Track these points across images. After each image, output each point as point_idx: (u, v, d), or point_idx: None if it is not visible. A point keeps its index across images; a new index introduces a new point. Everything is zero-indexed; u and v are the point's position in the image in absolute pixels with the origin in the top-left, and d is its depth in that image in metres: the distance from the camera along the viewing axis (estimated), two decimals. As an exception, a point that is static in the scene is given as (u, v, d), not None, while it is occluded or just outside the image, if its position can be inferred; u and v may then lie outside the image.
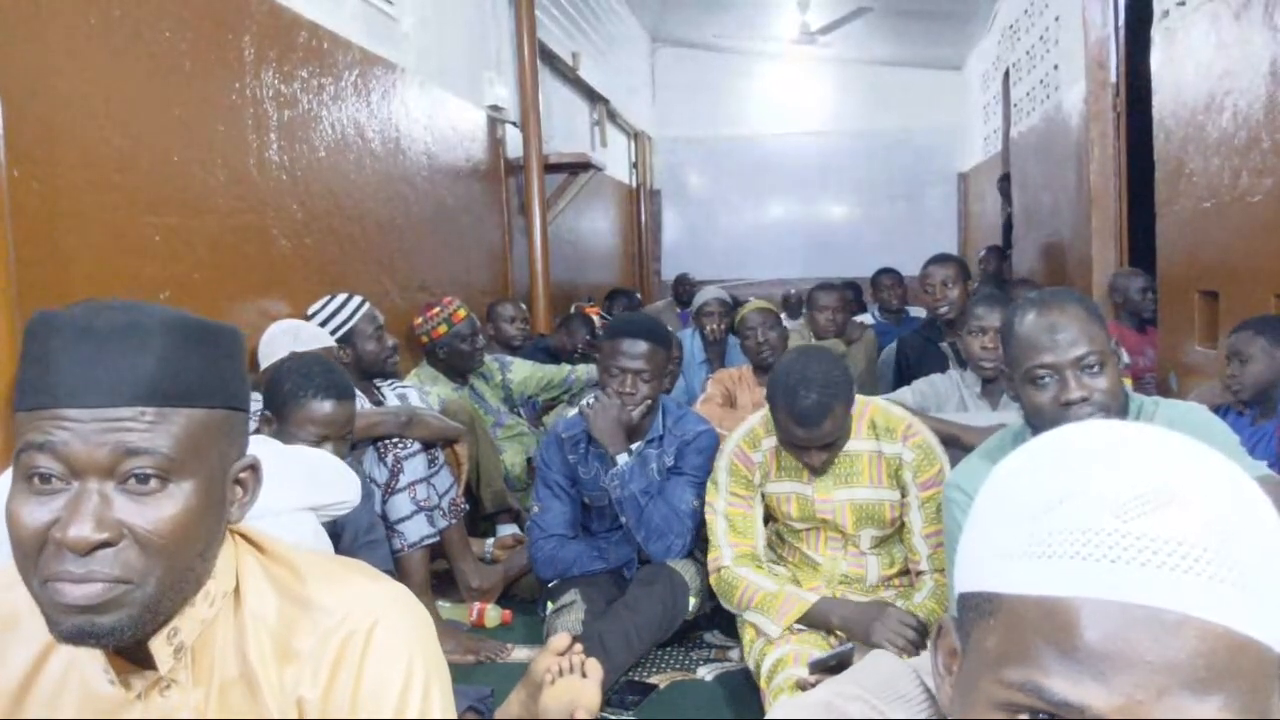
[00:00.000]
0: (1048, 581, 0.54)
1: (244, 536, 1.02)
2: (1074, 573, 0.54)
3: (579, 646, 1.86)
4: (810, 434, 2.15)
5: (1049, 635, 0.54)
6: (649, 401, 2.65)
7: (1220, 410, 2.75)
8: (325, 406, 2.24)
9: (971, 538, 0.62)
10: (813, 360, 2.18)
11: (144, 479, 0.85)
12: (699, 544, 2.68)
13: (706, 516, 2.45)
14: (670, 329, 4.42)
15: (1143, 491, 0.54)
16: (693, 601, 2.60)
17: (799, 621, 2.25)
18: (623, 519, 2.64)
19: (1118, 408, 1.71)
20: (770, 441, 2.37)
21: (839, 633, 2.25)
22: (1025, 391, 1.72)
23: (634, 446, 2.68)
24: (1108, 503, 0.54)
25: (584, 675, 1.82)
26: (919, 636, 2.14)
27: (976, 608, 0.59)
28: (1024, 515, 0.57)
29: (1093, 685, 0.52)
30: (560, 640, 1.84)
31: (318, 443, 2.21)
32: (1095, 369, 1.68)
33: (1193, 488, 0.55)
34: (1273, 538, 0.55)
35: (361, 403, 3.08)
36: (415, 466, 2.77)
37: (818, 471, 2.28)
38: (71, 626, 0.83)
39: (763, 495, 2.42)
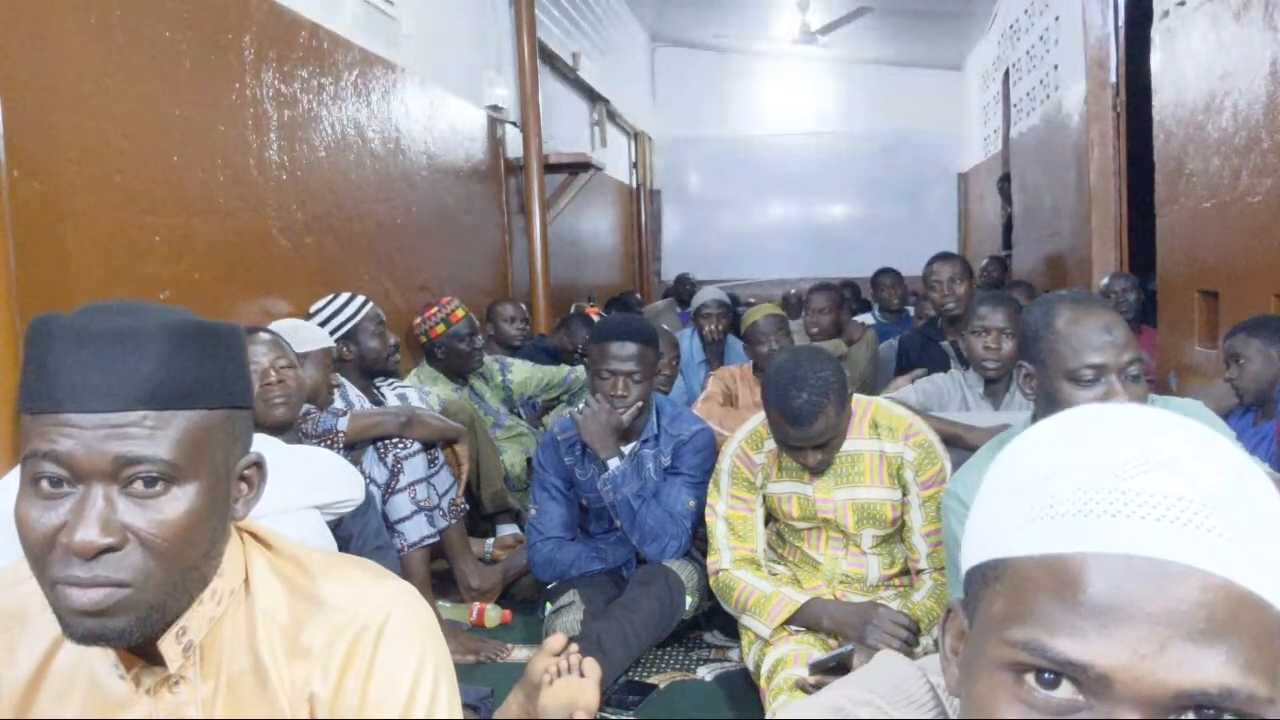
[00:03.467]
0: (1051, 540, 0.55)
1: (251, 534, 1.03)
2: (1077, 529, 0.54)
3: (574, 646, 1.85)
4: (802, 434, 2.15)
5: (1053, 591, 0.54)
6: (640, 403, 2.65)
7: (1224, 414, 2.75)
8: (251, 340, 2.27)
9: (977, 516, 0.62)
10: (804, 360, 2.17)
11: (148, 483, 0.86)
12: (696, 543, 2.69)
13: (707, 519, 2.44)
14: (670, 329, 4.43)
15: (1141, 453, 0.55)
16: (690, 601, 2.60)
17: (793, 622, 2.25)
18: (617, 521, 2.65)
19: None
20: (772, 443, 2.37)
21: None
22: (1062, 390, 1.68)
23: (628, 448, 2.68)
24: (1107, 464, 0.55)
25: (581, 675, 1.82)
26: (912, 636, 2.14)
27: (982, 578, 0.60)
28: (1027, 486, 0.58)
29: (1096, 640, 0.52)
30: (556, 641, 1.84)
31: (255, 377, 2.25)
32: (1136, 377, 1.67)
33: (1189, 452, 0.55)
34: (1268, 502, 0.55)
35: (361, 403, 3.08)
36: (415, 467, 2.77)
37: (815, 472, 2.28)
38: (83, 630, 0.85)
39: (764, 496, 2.42)
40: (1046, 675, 0.54)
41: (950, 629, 0.66)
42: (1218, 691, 0.51)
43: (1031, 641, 0.54)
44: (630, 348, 2.62)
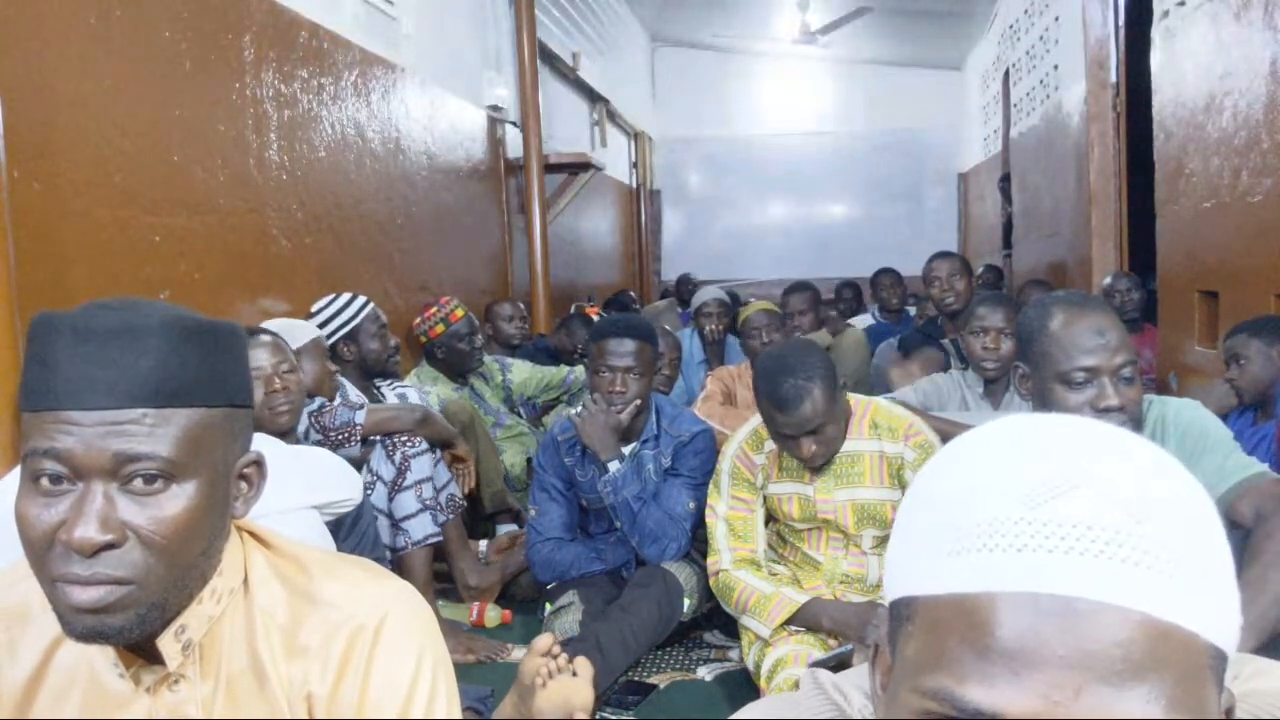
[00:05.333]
0: (959, 578, 0.51)
1: (251, 534, 1.03)
2: (984, 566, 0.50)
3: (557, 649, 1.85)
4: (790, 418, 2.16)
5: (963, 635, 0.50)
6: (639, 401, 2.64)
7: (1223, 414, 2.75)
8: (253, 344, 2.30)
9: (894, 544, 0.59)
10: (790, 349, 2.24)
11: (147, 480, 0.86)
12: (696, 545, 2.69)
13: (707, 520, 2.44)
14: (671, 329, 4.43)
15: (1053, 476, 0.51)
16: (688, 603, 2.60)
17: (793, 623, 2.25)
18: (617, 523, 2.65)
19: (1139, 416, 1.71)
20: (772, 443, 2.38)
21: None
22: (1055, 392, 1.69)
23: (628, 449, 2.68)
24: (1017, 491, 0.51)
25: (574, 674, 1.82)
26: None
27: (897, 616, 0.56)
28: (937, 513, 0.54)
29: (1007, 688, 0.48)
30: (543, 641, 1.84)
31: (259, 382, 2.26)
32: (1130, 378, 1.67)
33: (1107, 470, 0.51)
34: (1197, 521, 0.52)
35: (367, 403, 3.09)
36: (422, 465, 2.78)
37: (813, 465, 2.27)
38: (82, 627, 0.85)
39: (764, 497, 2.42)
40: None
41: (879, 666, 0.61)
42: None
43: (942, 690, 0.50)
44: (629, 344, 2.62)
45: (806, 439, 2.20)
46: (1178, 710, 0.48)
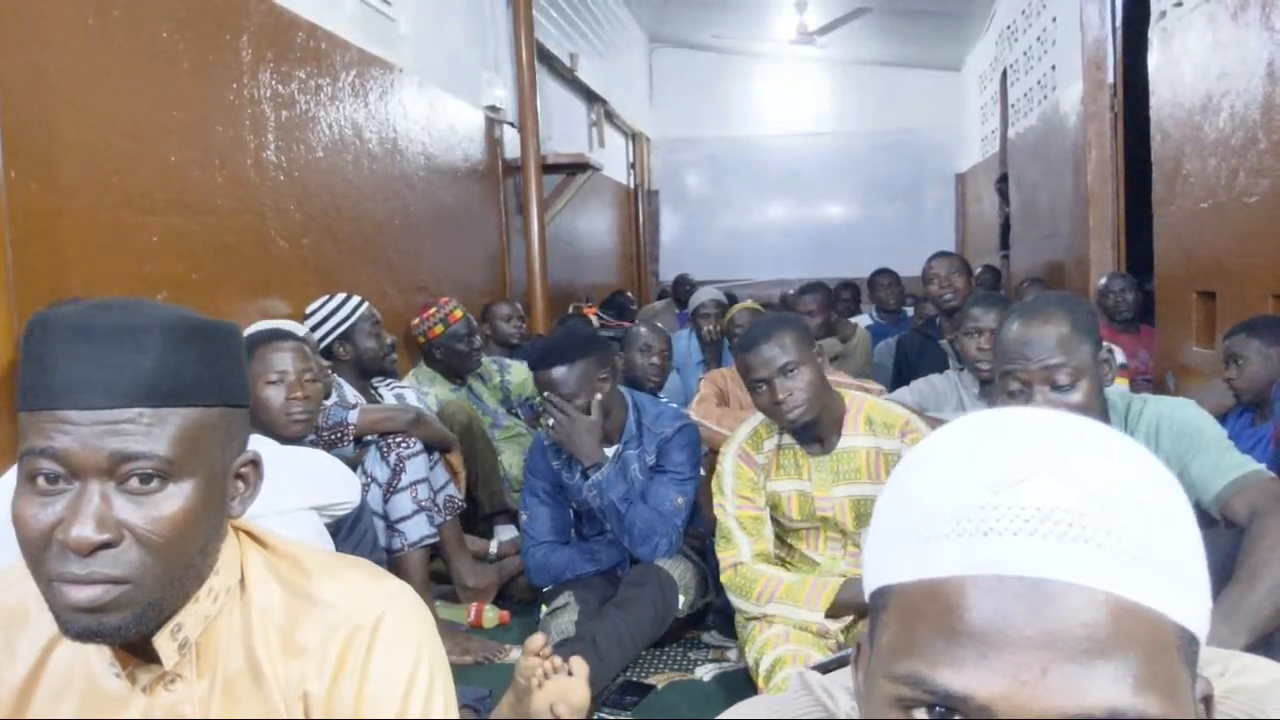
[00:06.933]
0: (929, 564, 0.52)
1: (248, 533, 1.03)
2: (952, 551, 0.51)
3: (548, 650, 1.85)
4: (760, 356, 2.19)
5: (934, 620, 0.51)
6: (599, 397, 2.61)
7: (1221, 414, 2.75)
8: (280, 347, 2.30)
9: (871, 536, 0.60)
10: (764, 317, 2.40)
11: (144, 479, 0.86)
12: (689, 540, 2.69)
13: (718, 515, 2.42)
14: (667, 329, 4.42)
15: (1020, 463, 0.52)
16: (682, 599, 2.59)
17: (836, 606, 2.21)
18: (607, 525, 2.65)
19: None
20: (772, 442, 2.38)
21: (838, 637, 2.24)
22: (1000, 395, 1.74)
23: (611, 450, 2.67)
24: (985, 478, 0.52)
25: (570, 673, 1.82)
26: None
27: (875, 606, 0.57)
28: (910, 503, 0.56)
29: (976, 670, 0.49)
30: (535, 640, 1.84)
31: (282, 387, 2.25)
32: (1066, 384, 1.66)
33: (1071, 456, 0.52)
34: (1164, 508, 0.52)
35: (359, 403, 3.09)
36: (417, 466, 2.78)
37: (792, 415, 2.21)
38: (79, 626, 0.85)
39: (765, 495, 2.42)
40: (937, 710, 0.51)
41: (861, 664, 0.61)
42: (1104, 714, 0.48)
43: (913, 675, 0.51)
44: (553, 374, 2.59)
45: (780, 380, 2.19)
46: (1146, 688, 0.48)
